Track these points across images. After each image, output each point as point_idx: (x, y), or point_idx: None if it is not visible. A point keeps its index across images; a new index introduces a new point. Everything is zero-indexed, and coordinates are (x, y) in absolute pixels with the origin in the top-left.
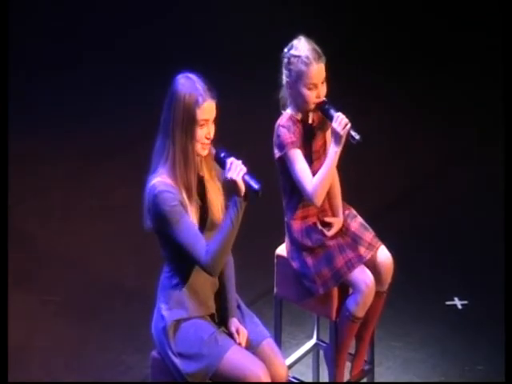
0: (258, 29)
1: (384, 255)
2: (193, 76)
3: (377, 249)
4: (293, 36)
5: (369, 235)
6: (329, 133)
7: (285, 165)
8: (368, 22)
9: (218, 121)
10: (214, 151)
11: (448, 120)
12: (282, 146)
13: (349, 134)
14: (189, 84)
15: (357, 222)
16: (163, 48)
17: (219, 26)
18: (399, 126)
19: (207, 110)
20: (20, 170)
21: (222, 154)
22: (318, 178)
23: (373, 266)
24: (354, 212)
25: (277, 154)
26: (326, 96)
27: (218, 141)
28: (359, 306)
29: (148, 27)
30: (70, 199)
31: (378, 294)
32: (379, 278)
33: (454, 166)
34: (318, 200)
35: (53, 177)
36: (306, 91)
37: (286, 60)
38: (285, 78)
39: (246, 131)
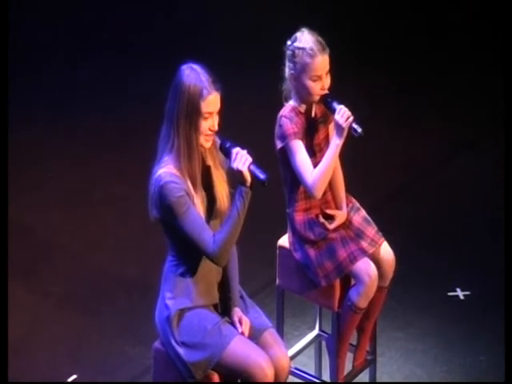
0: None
1: (386, 251)
2: (197, 67)
3: (379, 245)
4: (292, 32)
5: (371, 230)
6: (331, 127)
7: (286, 156)
8: (363, 9)
9: (221, 113)
10: (218, 141)
11: (449, 111)
12: (283, 137)
13: (351, 127)
14: (194, 75)
15: (360, 216)
16: (164, 40)
17: (219, 18)
18: (399, 117)
19: (212, 102)
20: (21, 163)
21: (228, 145)
22: (318, 170)
23: (375, 261)
24: (358, 205)
25: (278, 144)
26: (329, 87)
27: (221, 133)
28: (362, 296)
29: (149, 20)
30: (71, 192)
31: (379, 288)
32: (381, 274)
33: (455, 157)
34: (318, 192)
35: (54, 169)
36: (310, 83)
37: (289, 52)
38: (288, 71)
39: (245, 125)
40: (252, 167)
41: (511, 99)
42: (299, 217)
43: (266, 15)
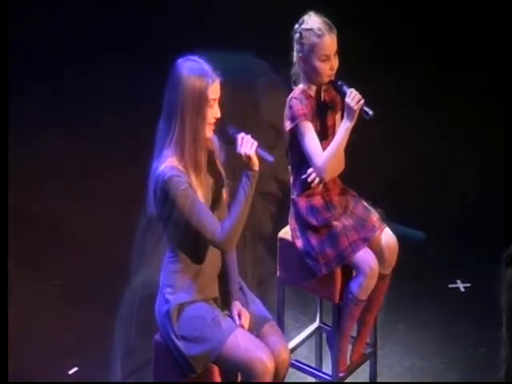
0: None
1: (389, 237)
2: (196, 58)
3: (381, 230)
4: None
5: (373, 217)
6: (339, 115)
7: (295, 137)
8: (368, 7)
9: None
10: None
11: (449, 105)
12: (293, 118)
13: (362, 110)
14: (196, 66)
15: (361, 205)
16: (162, 36)
17: (217, 11)
18: (400, 113)
19: (216, 89)
20: (21, 155)
21: (231, 131)
22: (327, 152)
23: (377, 247)
24: (358, 196)
25: (288, 125)
26: (338, 68)
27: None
28: (362, 288)
29: (150, 20)
30: (71, 184)
31: (381, 277)
32: (383, 260)
33: (456, 151)
34: (327, 174)
35: (53, 162)
36: (319, 63)
37: (297, 35)
38: (296, 54)
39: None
40: (259, 150)
41: (511, 99)
42: (303, 202)
43: (266, 15)
